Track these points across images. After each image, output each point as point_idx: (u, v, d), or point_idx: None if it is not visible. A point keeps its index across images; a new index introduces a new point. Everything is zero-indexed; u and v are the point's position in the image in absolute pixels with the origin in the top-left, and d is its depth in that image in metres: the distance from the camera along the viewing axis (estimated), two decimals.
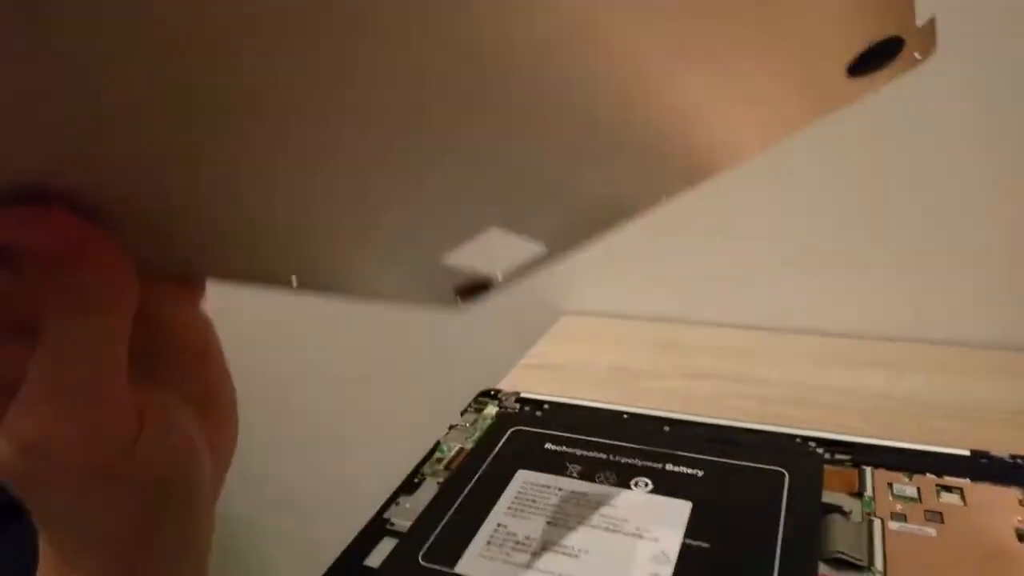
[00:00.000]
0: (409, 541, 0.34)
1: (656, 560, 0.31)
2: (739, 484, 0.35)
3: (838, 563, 0.30)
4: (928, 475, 0.34)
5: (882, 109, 0.48)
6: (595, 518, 0.34)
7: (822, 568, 0.29)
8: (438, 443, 0.42)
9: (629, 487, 0.36)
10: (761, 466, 0.36)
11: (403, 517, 0.36)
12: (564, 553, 0.32)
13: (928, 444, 0.36)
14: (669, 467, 0.37)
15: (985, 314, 0.49)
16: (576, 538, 0.33)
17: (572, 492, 0.36)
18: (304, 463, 0.90)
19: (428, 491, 0.38)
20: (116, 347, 0.16)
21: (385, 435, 0.76)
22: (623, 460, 0.38)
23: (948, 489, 0.33)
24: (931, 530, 0.31)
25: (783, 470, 0.35)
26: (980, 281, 0.49)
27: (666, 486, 0.35)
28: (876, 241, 0.51)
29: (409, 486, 0.39)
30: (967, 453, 0.35)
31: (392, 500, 0.38)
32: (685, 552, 0.31)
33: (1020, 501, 0.31)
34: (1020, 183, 0.46)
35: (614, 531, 0.33)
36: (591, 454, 0.39)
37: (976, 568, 0.28)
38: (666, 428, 0.41)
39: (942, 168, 0.47)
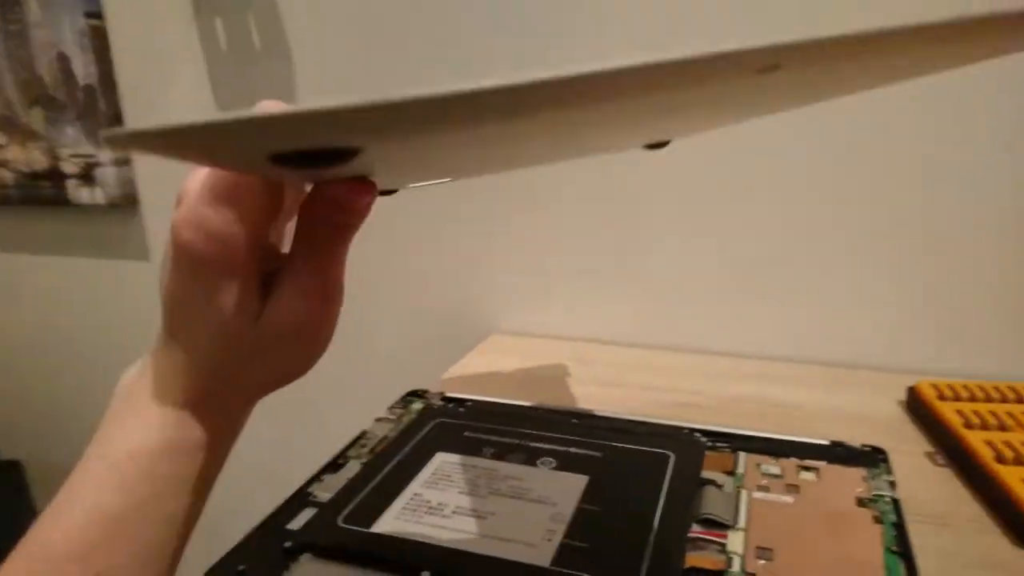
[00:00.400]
0: (329, 508, 0.37)
1: (553, 520, 0.35)
2: (631, 463, 0.39)
3: (709, 523, 0.34)
4: (792, 458, 0.39)
5: (777, 157, 0.55)
6: (503, 489, 0.37)
7: (695, 527, 0.34)
8: (364, 432, 0.45)
9: (535, 464, 0.40)
10: (651, 449, 0.40)
11: (326, 490, 0.39)
12: (472, 515, 0.35)
13: (790, 434, 0.42)
14: (572, 449, 0.41)
15: (854, 339, 0.56)
16: (484, 504, 0.36)
17: (484, 469, 0.39)
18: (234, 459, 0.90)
19: (351, 471, 0.41)
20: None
21: (315, 432, 0.77)
22: (532, 444, 0.42)
23: (807, 469, 0.38)
24: (789, 499, 0.36)
25: (670, 453, 0.40)
26: (853, 311, 0.56)
27: (568, 464, 0.39)
28: (763, 277, 0.58)
29: (333, 466, 0.42)
30: (827, 443, 0.41)
31: (316, 477, 0.41)
32: (578, 514, 0.35)
33: (863, 478, 0.37)
34: (891, 232, 0.54)
35: (518, 498, 0.36)
36: (504, 439, 0.42)
37: (819, 525, 0.33)
38: (574, 421, 0.45)
39: (824, 211, 0.55)
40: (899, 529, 0.33)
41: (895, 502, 0.35)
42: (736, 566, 0.31)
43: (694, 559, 0.32)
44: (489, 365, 0.59)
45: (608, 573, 0.31)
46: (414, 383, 0.52)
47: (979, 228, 0.53)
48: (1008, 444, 0.38)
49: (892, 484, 0.36)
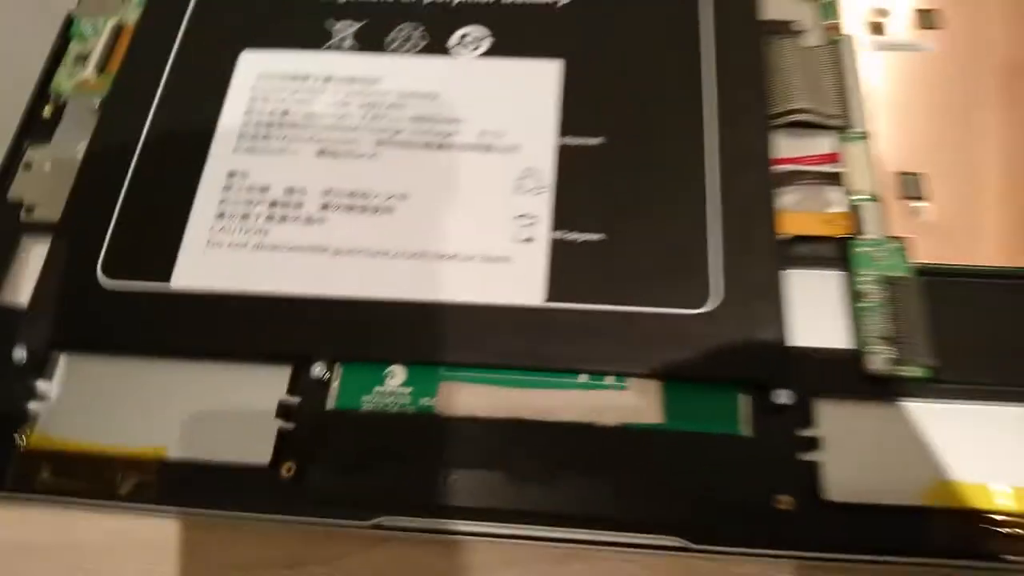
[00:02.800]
0: (68, 242, 0.18)
1: (522, 189, 0.18)
2: (629, 9, 0.20)
3: (799, 128, 0.18)
4: None
5: None
6: (405, 128, 0.19)
7: (778, 143, 0.18)
8: (70, 21, 0.22)
9: (448, 51, 0.20)
10: None
11: (44, 191, 0.19)
12: (364, 207, 0.18)
13: None
14: None
15: None
16: (380, 175, 0.18)
17: (351, 80, 0.19)
18: None
19: (76, 128, 0.20)
20: None
21: None
22: None
23: None
24: (925, 44, 0.19)
25: None
26: None
27: (512, 35, 0.20)
28: None
29: (37, 126, 0.20)
30: None
31: (14, 160, 0.20)
32: (566, 161, 0.18)
33: None
34: None
35: (441, 147, 0.18)
36: None
37: (991, 90, 0.18)
38: None
39: None
40: None
41: None
42: (872, 224, 0.17)
43: (792, 218, 0.17)
44: None
45: (654, 294, 0.16)
46: None
47: None
48: None
49: None
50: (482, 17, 0.20)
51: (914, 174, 0.18)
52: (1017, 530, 0.15)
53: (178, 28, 0.21)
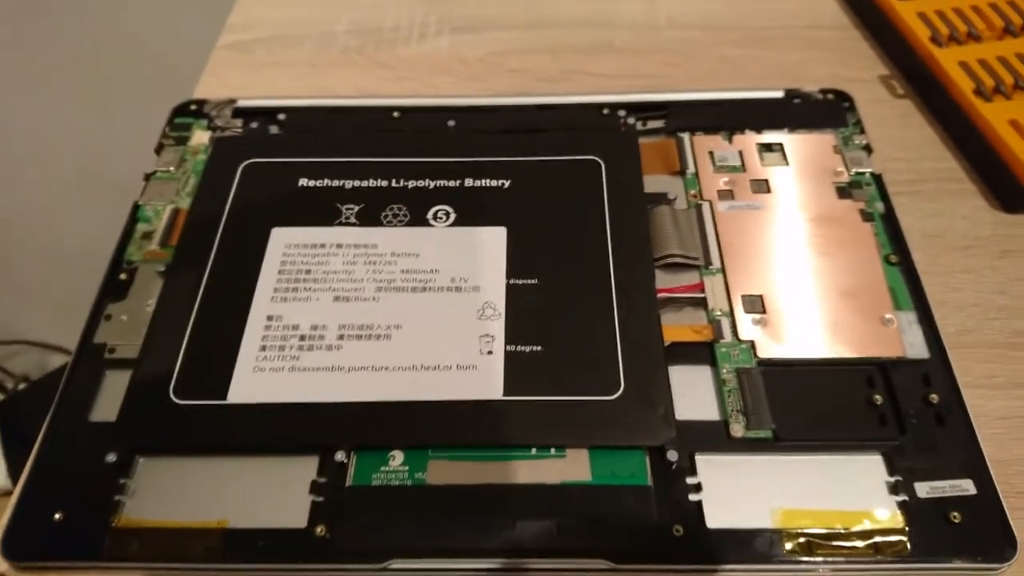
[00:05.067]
0: (145, 372, 0.24)
1: (483, 315, 0.25)
2: (553, 190, 0.28)
3: (673, 268, 0.26)
4: (747, 132, 0.30)
5: None
6: (397, 278, 0.26)
7: (658, 277, 0.26)
8: (137, 206, 0.29)
9: (427, 222, 0.28)
10: (573, 157, 0.29)
11: (122, 336, 0.25)
12: (369, 335, 0.25)
13: (738, 89, 0.32)
14: (469, 182, 0.29)
15: None
16: (380, 312, 0.25)
17: (356, 246, 0.27)
18: None
19: (145, 288, 0.27)
20: None
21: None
22: (411, 184, 0.29)
23: (769, 148, 0.30)
24: (759, 203, 0.28)
25: (598, 159, 0.29)
26: None
27: (471, 210, 0.28)
28: None
29: (114, 287, 0.27)
30: (781, 95, 0.31)
31: (97, 314, 0.26)
32: (512, 296, 0.25)
33: (835, 147, 0.29)
34: None
35: (424, 290, 0.26)
36: (368, 183, 0.29)
37: (804, 241, 0.27)
38: (450, 122, 0.31)
39: None
40: (890, 223, 0.27)
41: (877, 179, 0.28)
42: (727, 332, 0.25)
43: (672, 330, 0.25)
44: (274, 22, 0.39)
45: (580, 387, 0.23)
46: (170, 89, 0.33)
47: None
48: (986, 66, 0.31)
49: (868, 149, 0.29)
50: (451, 197, 0.28)
51: (755, 295, 0.25)
52: (845, 541, 0.21)
53: (223, 212, 0.28)
